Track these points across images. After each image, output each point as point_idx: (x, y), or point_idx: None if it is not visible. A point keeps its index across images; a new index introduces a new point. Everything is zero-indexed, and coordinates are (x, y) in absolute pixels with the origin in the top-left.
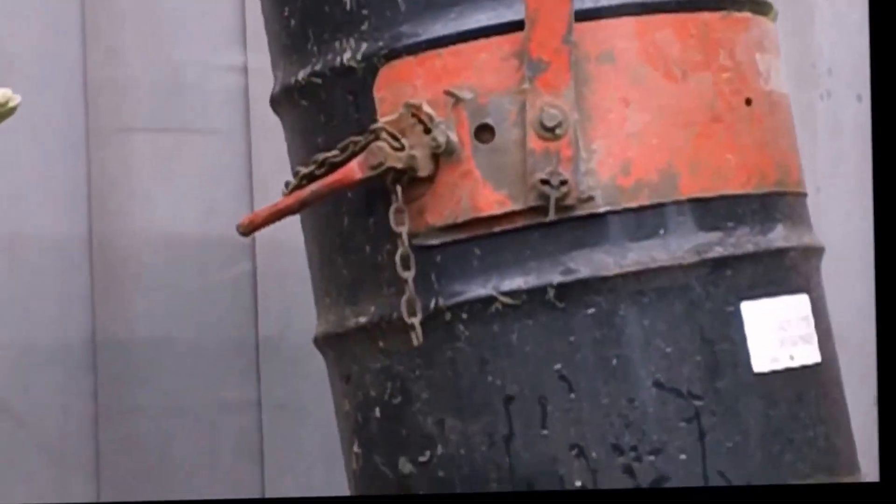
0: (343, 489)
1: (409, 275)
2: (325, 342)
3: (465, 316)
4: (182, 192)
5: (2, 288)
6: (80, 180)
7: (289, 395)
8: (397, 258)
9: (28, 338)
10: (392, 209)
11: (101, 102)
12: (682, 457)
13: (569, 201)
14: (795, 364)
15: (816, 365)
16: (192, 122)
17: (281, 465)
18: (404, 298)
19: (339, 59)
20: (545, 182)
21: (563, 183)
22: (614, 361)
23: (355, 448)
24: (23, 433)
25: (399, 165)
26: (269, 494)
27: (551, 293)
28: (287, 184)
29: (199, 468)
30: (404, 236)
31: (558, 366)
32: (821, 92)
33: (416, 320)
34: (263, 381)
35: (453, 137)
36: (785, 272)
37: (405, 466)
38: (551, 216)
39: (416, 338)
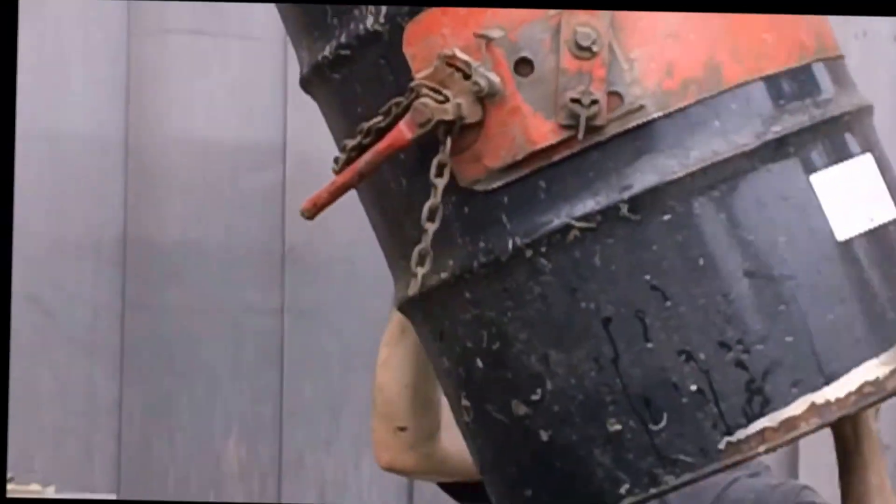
0: (358, 398)
1: (431, 227)
2: (411, 305)
3: (544, 249)
4: (218, 96)
5: (39, 181)
6: (120, 81)
7: (311, 302)
8: (425, 209)
9: (61, 232)
10: (434, 162)
11: (143, 3)
12: (789, 339)
13: (599, 121)
14: (875, 224)
15: (894, 220)
16: (231, 27)
17: (300, 371)
18: (418, 248)
19: (362, 25)
20: (576, 101)
21: (594, 102)
22: (701, 261)
23: (463, 401)
24: (51, 325)
25: (447, 117)
26: (287, 399)
27: (624, 208)
28: (336, 159)
29: (220, 368)
30: (439, 189)
31: (647, 277)
32: (855, 31)
33: (420, 270)
34: (287, 288)
35: (494, 78)
36: (844, 137)
37: (519, 408)
38: (580, 136)
39: (414, 287)
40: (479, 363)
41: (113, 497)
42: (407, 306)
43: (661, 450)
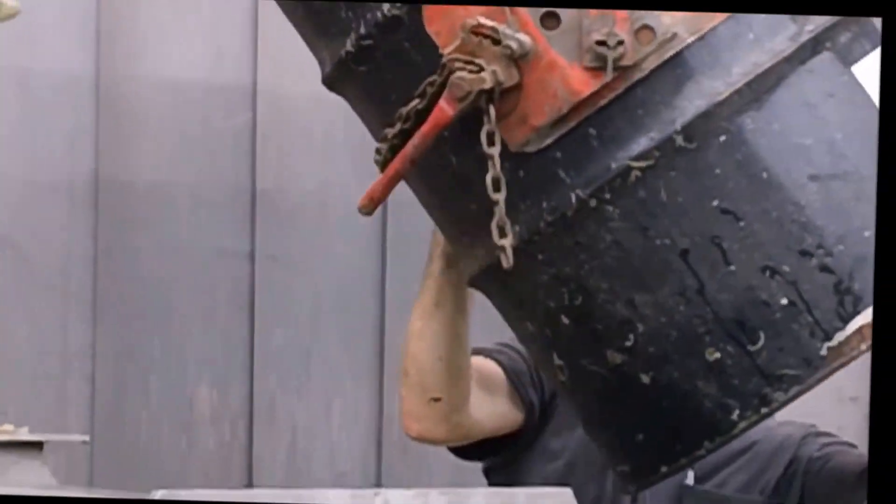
0: (328, 344)
1: (499, 196)
2: (483, 279)
3: (608, 196)
4: (189, 39)
5: (9, 124)
6: (91, 23)
7: (282, 247)
8: (488, 180)
9: (33, 173)
10: (483, 132)
11: None
12: (867, 233)
13: (626, 61)
14: None
15: None
16: None
17: (270, 316)
18: (494, 221)
19: (379, 13)
20: (601, 43)
21: (620, 43)
22: (765, 175)
23: (556, 361)
24: (24, 268)
25: (486, 86)
26: (259, 345)
27: (679, 139)
28: (378, 150)
29: (192, 313)
30: (496, 158)
31: (716, 202)
32: None
33: (506, 242)
34: (258, 233)
35: (523, 38)
36: (873, 22)
37: (614, 357)
38: (608, 77)
39: (507, 259)
40: (566, 320)
41: (86, 438)
42: (479, 280)
43: (764, 369)
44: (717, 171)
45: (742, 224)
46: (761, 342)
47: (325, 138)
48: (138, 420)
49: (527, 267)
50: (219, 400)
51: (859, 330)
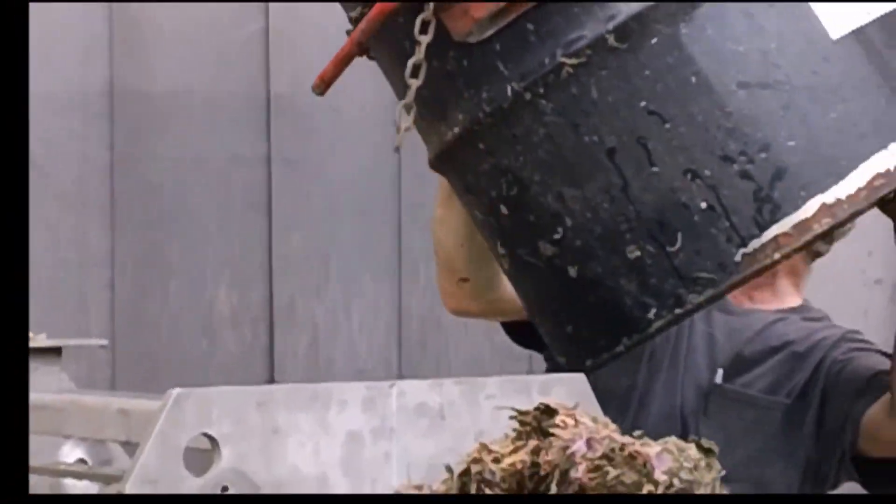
0: (346, 245)
1: (414, 83)
2: (439, 162)
3: (542, 90)
4: None
5: None
6: None
7: (298, 151)
8: (409, 65)
9: (47, 85)
10: (418, 20)
11: None
12: (791, 143)
13: None
14: (873, 17)
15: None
16: None
17: (288, 219)
18: (401, 103)
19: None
20: None
21: None
22: (693, 79)
23: (500, 250)
24: (41, 179)
25: None
26: (276, 247)
27: (611, 38)
28: (347, 32)
29: (209, 218)
30: (423, 45)
31: (644, 103)
32: None
33: (404, 124)
34: (273, 137)
35: None
36: None
37: (546, 249)
38: None
39: (399, 140)
40: (504, 210)
41: (105, 342)
42: (436, 164)
43: (681, 270)
44: (648, 72)
45: (668, 126)
46: (679, 244)
47: (338, 41)
48: (158, 324)
49: (470, 155)
50: (238, 303)
51: (775, 238)
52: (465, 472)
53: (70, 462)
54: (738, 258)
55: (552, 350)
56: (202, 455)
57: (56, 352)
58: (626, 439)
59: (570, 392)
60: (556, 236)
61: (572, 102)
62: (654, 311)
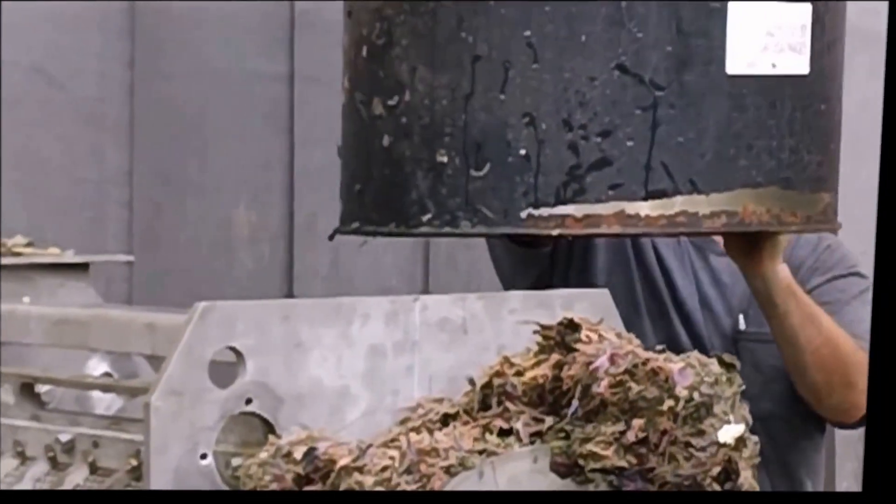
0: None
1: None
2: None
3: None
4: None
5: None
6: None
7: (321, 67)
8: None
9: (67, 3)
10: None
11: None
12: (630, 143)
13: None
14: (776, 72)
15: (801, 77)
16: None
17: (309, 136)
18: None
19: None
20: None
21: None
22: (583, 38)
23: (345, 83)
24: (59, 96)
25: None
26: (298, 165)
27: None
28: None
29: (230, 135)
30: None
31: (528, 33)
32: None
33: None
34: (297, 53)
35: None
36: None
37: (377, 107)
38: None
39: None
40: (364, 52)
41: (131, 258)
42: None
43: (470, 195)
44: (548, 8)
45: (535, 66)
46: (483, 172)
47: None
48: (175, 242)
49: None
50: (257, 220)
51: (563, 217)
52: (487, 385)
53: (96, 375)
54: (523, 215)
55: (341, 196)
56: (227, 368)
57: (83, 268)
58: (650, 354)
59: (594, 307)
60: (390, 102)
61: None
62: (428, 216)
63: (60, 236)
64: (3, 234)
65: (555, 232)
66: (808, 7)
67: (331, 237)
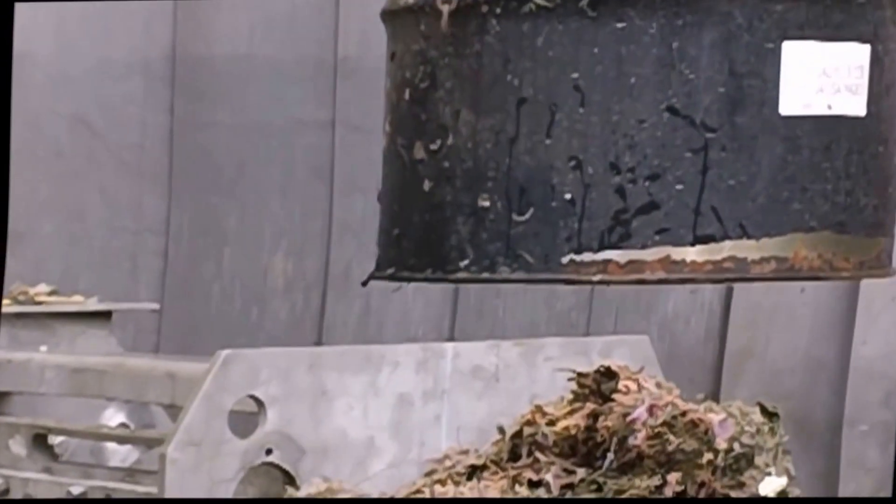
0: None
1: None
2: (384, 17)
3: (499, 11)
4: None
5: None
6: None
7: (363, 116)
8: None
9: (107, 50)
10: None
11: None
12: (679, 186)
13: None
14: (832, 113)
15: (858, 118)
16: None
17: (351, 185)
18: None
19: None
20: None
21: None
22: (633, 80)
23: (386, 126)
24: (99, 145)
25: None
26: (337, 211)
27: (584, 1)
28: None
29: (270, 185)
30: None
31: (576, 75)
32: None
33: (447, 7)
34: (339, 101)
35: None
36: (847, 16)
37: (418, 151)
38: None
39: (444, 24)
40: (407, 95)
41: (156, 307)
42: (383, 16)
43: (512, 241)
44: (597, 50)
45: (582, 109)
46: (526, 217)
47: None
48: (209, 292)
49: (409, 28)
50: (294, 270)
51: (606, 262)
52: (518, 434)
53: (112, 426)
54: (564, 260)
55: (378, 242)
56: (248, 418)
57: (106, 316)
58: (689, 406)
59: (633, 354)
60: (433, 146)
61: (517, 37)
62: (466, 262)
63: (95, 286)
64: (35, 283)
65: (596, 278)
66: (867, 48)
67: (364, 283)
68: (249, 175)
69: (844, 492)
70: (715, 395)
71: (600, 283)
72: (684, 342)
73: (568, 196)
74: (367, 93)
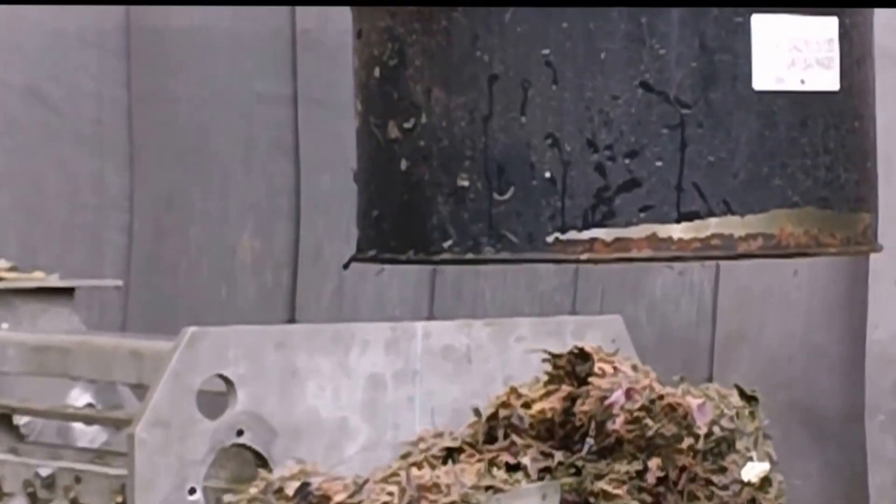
0: None
1: None
2: None
3: None
4: None
5: None
6: None
7: (326, 90)
8: None
9: (61, 22)
10: None
11: None
12: (658, 163)
13: None
14: (805, 88)
15: (831, 93)
16: None
17: (317, 161)
18: None
19: None
20: None
21: None
22: (604, 55)
23: (358, 105)
24: (56, 119)
25: None
26: (305, 190)
27: None
28: None
29: (233, 159)
30: None
31: (546, 51)
32: None
33: None
34: (300, 75)
35: None
36: None
37: (392, 131)
38: None
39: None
40: (377, 73)
41: (119, 283)
42: None
43: (494, 220)
44: (566, 25)
45: (555, 86)
46: (507, 196)
47: None
48: (176, 270)
49: (374, 6)
50: (262, 248)
51: (592, 241)
52: (493, 417)
53: (79, 406)
54: (550, 239)
55: (357, 223)
56: (217, 397)
57: (68, 293)
58: (667, 389)
59: (606, 335)
60: (407, 125)
61: (485, 13)
62: (450, 243)
63: (57, 262)
64: None
65: (584, 257)
66: (834, 21)
67: (346, 265)
68: (211, 150)
69: (872, 485)
70: (710, 380)
71: (588, 262)
72: (676, 324)
73: (548, 174)
74: (330, 66)
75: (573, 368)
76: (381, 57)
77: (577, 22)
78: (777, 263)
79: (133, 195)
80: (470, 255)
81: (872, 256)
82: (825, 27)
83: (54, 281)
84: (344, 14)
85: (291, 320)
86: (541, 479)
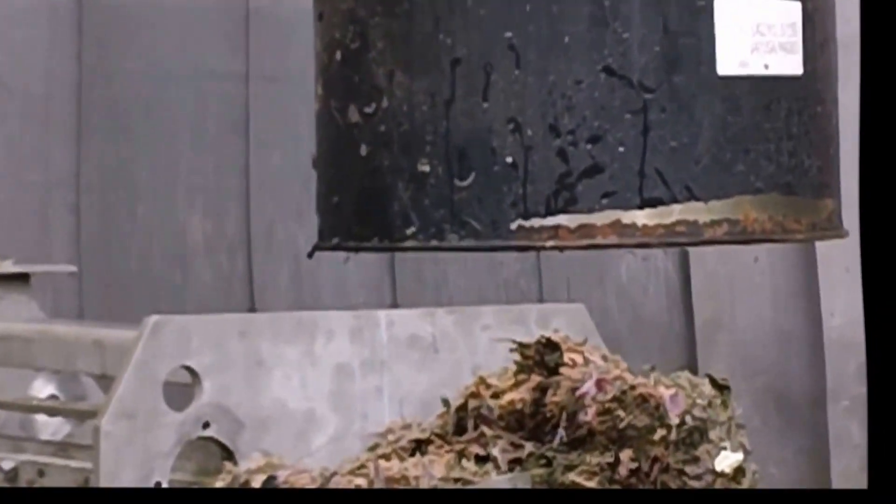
0: None
1: None
2: None
3: None
4: None
5: None
6: None
7: (278, 67)
8: None
9: None
10: None
11: None
12: (621, 149)
13: None
14: (769, 73)
15: (795, 77)
16: None
17: (267, 139)
18: None
19: None
20: None
21: None
22: (567, 39)
23: (318, 89)
24: (3, 94)
25: None
26: (254, 167)
27: None
28: None
29: (182, 136)
30: None
31: (509, 34)
32: None
33: None
34: (252, 52)
35: None
36: None
37: (353, 115)
38: None
39: None
40: (338, 56)
41: (74, 269)
42: None
43: (456, 207)
44: (529, 7)
45: (517, 71)
46: (468, 181)
47: None
48: (127, 252)
49: None
50: (213, 229)
51: (556, 227)
52: (462, 407)
53: (42, 398)
54: (513, 226)
55: (317, 209)
56: (182, 389)
57: (23, 279)
58: (638, 380)
59: (570, 323)
60: (367, 109)
61: None
62: (413, 229)
63: (4, 245)
64: None
65: (549, 244)
66: (798, 5)
67: (310, 254)
68: (159, 127)
69: (836, 470)
70: (692, 367)
71: (553, 248)
72: (646, 310)
73: (509, 160)
74: (283, 44)
75: (542, 358)
76: (343, 39)
77: (540, 4)
78: (738, 250)
79: (79, 173)
80: (434, 243)
81: (819, 245)
82: (788, 11)
83: (8, 267)
84: None
85: (252, 306)
86: (511, 470)
